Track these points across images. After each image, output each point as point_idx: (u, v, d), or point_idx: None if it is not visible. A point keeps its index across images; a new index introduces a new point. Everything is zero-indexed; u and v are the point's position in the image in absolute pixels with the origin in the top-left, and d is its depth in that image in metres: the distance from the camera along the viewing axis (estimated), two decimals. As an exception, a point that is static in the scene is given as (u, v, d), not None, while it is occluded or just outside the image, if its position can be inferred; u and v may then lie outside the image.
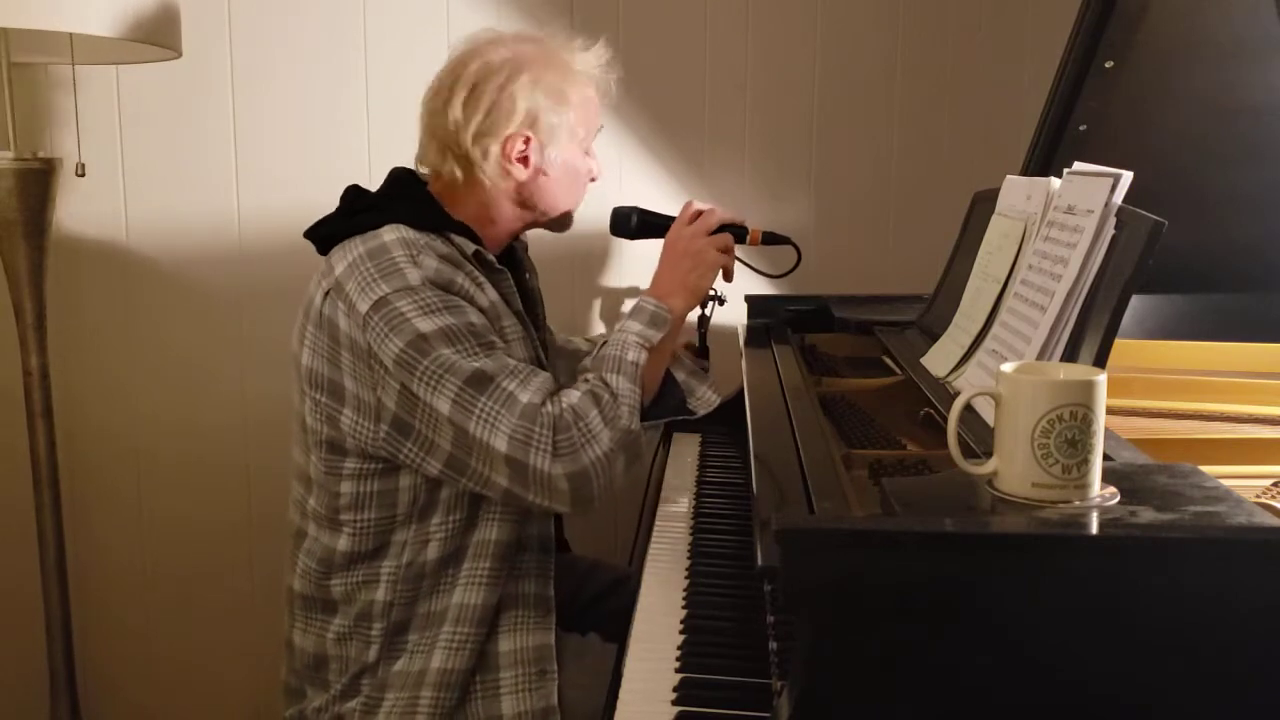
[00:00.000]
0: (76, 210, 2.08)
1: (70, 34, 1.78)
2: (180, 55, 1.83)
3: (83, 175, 1.79)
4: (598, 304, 2.23)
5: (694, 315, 1.96)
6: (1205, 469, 0.84)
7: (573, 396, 1.31)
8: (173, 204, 2.12)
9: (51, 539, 1.92)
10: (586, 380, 1.35)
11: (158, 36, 1.72)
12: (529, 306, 1.55)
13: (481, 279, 1.37)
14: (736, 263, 2.05)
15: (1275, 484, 1.04)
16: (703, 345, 1.98)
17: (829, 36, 2.20)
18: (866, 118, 2.22)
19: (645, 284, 2.20)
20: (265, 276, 2.14)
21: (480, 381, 1.26)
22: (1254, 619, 0.70)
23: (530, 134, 1.42)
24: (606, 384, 1.34)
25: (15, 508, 2.06)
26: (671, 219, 1.93)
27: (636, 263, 2.21)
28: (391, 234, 1.34)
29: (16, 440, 1.97)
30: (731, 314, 2.02)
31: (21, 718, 2.15)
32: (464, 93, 1.41)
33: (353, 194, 1.46)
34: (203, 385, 2.17)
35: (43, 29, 1.61)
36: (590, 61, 1.49)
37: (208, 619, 2.22)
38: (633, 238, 1.93)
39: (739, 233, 1.92)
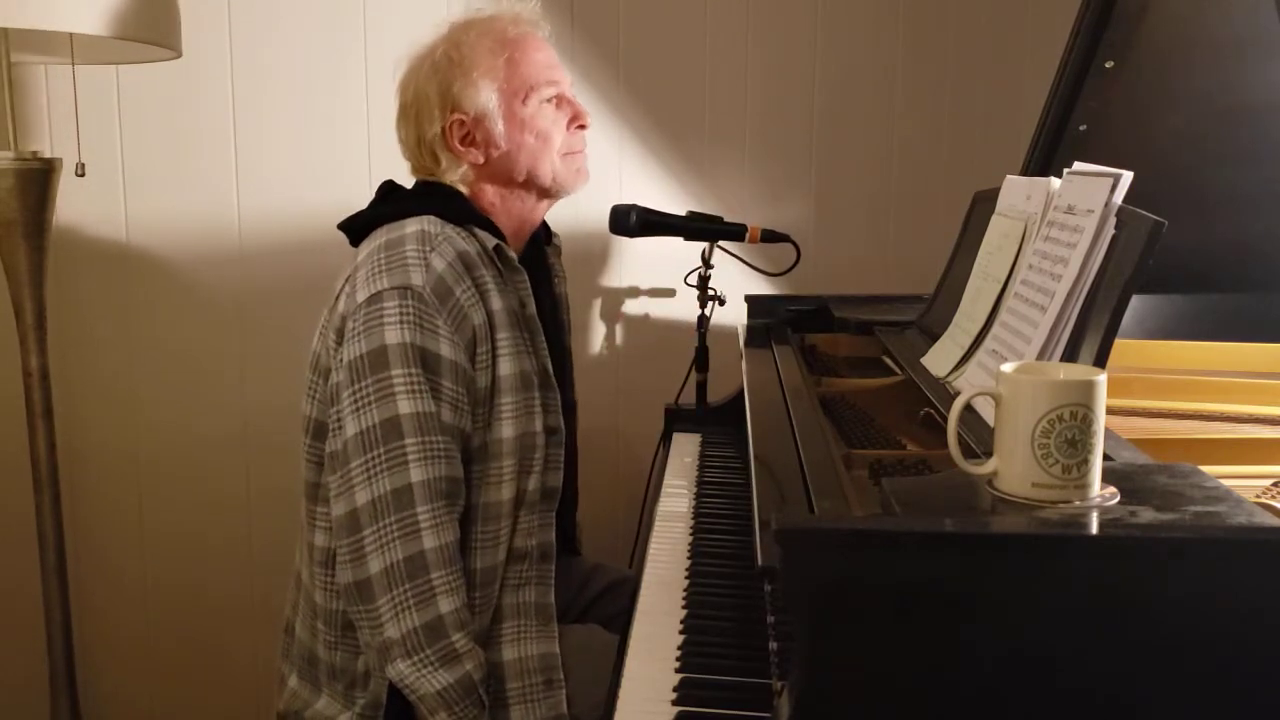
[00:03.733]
0: (76, 210, 2.08)
1: (70, 34, 1.78)
2: (180, 55, 1.82)
3: (83, 175, 1.79)
4: (598, 303, 2.23)
5: (694, 315, 1.97)
6: (1205, 469, 0.84)
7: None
8: (173, 204, 2.12)
9: (51, 540, 1.92)
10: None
11: (158, 36, 1.72)
12: (553, 313, 1.54)
13: (492, 283, 1.34)
14: (737, 261, 2.06)
15: (1275, 484, 1.04)
16: (703, 345, 1.98)
17: (829, 36, 2.20)
18: (866, 118, 2.22)
19: (645, 284, 2.21)
20: (265, 276, 2.14)
21: (391, 431, 1.24)
22: (1254, 619, 0.70)
23: (458, 115, 1.39)
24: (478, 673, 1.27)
25: (15, 509, 2.07)
26: (672, 217, 1.94)
27: (636, 262, 2.21)
28: (414, 225, 1.33)
29: (17, 441, 1.97)
30: (731, 314, 2.02)
31: (21, 718, 2.15)
32: (398, 115, 1.44)
33: (387, 188, 1.46)
34: (202, 385, 2.17)
35: (43, 29, 1.61)
36: (497, 16, 1.44)
37: (207, 619, 2.22)
38: (632, 236, 1.93)
39: (738, 231, 1.93)
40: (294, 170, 2.12)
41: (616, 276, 2.23)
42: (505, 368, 1.33)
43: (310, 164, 2.13)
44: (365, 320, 1.26)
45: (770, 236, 1.95)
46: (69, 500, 2.04)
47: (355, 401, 1.25)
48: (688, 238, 1.95)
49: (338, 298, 1.35)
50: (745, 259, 2.08)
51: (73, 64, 1.86)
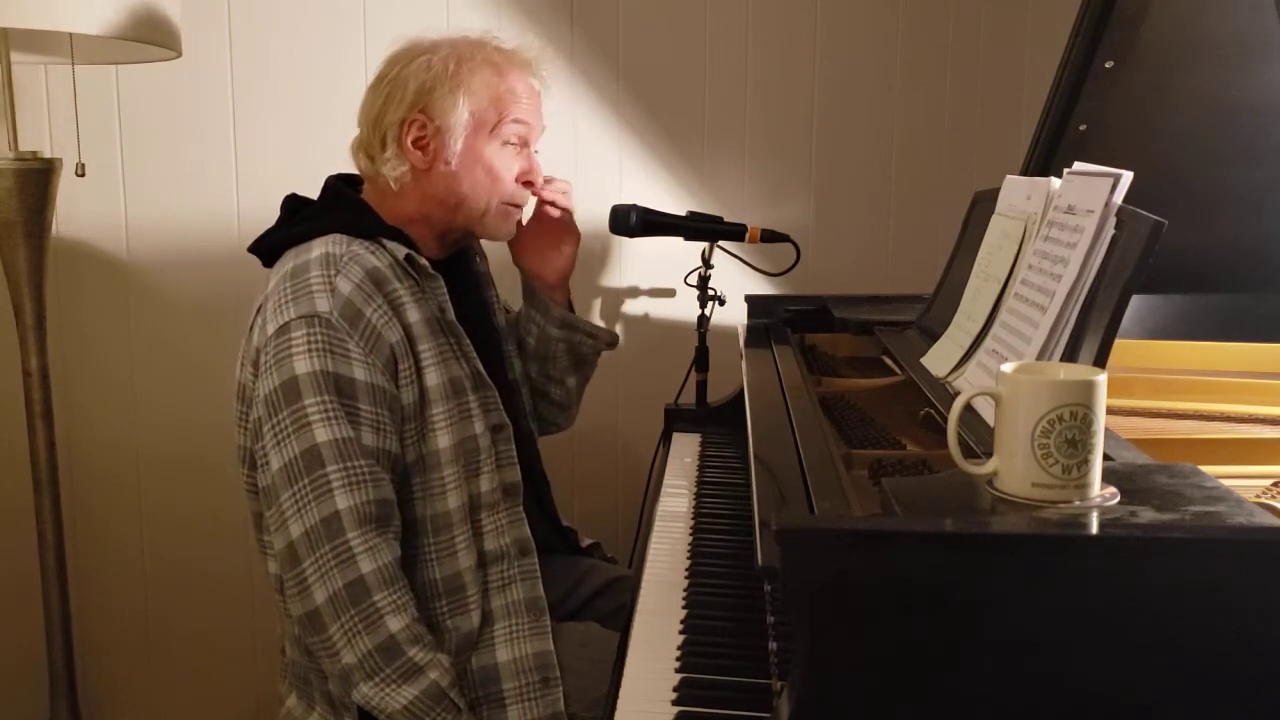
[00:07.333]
0: (76, 210, 2.08)
1: (70, 34, 1.78)
2: (180, 55, 1.82)
3: (83, 175, 1.79)
4: (598, 304, 2.23)
5: (694, 315, 1.97)
6: (1205, 469, 0.84)
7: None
8: (173, 204, 2.12)
9: (51, 540, 1.92)
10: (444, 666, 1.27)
11: (157, 36, 1.72)
12: (480, 318, 1.53)
13: (407, 295, 1.33)
14: (737, 261, 2.06)
15: (1275, 484, 1.04)
16: (703, 345, 1.98)
17: (829, 36, 2.20)
18: (866, 117, 2.22)
19: (645, 284, 2.21)
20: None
21: (312, 461, 1.23)
22: (1254, 619, 0.70)
23: (423, 117, 1.38)
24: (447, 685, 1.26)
25: (15, 508, 2.06)
26: (672, 217, 1.94)
27: (636, 262, 2.21)
28: (320, 248, 1.32)
29: (16, 441, 1.97)
30: (731, 314, 2.02)
31: (21, 718, 2.15)
32: (372, 82, 1.43)
33: (292, 204, 1.45)
34: (203, 385, 2.17)
35: (43, 29, 1.61)
36: (514, 51, 1.44)
37: (208, 620, 2.22)
38: (632, 235, 1.93)
39: (738, 231, 1.93)
40: (294, 170, 2.12)
41: (616, 276, 2.23)
42: (432, 378, 1.33)
43: (310, 164, 2.11)
44: (275, 353, 1.26)
45: (770, 236, 1.95)
46: (69, 500, 2.03)
47: (275, 435, 1.25)
48: (688, 238, 1.95)
49: (252, 328, 1.34)
50: (745, 259, 2.08)
51: (73, 64, 1.86)
